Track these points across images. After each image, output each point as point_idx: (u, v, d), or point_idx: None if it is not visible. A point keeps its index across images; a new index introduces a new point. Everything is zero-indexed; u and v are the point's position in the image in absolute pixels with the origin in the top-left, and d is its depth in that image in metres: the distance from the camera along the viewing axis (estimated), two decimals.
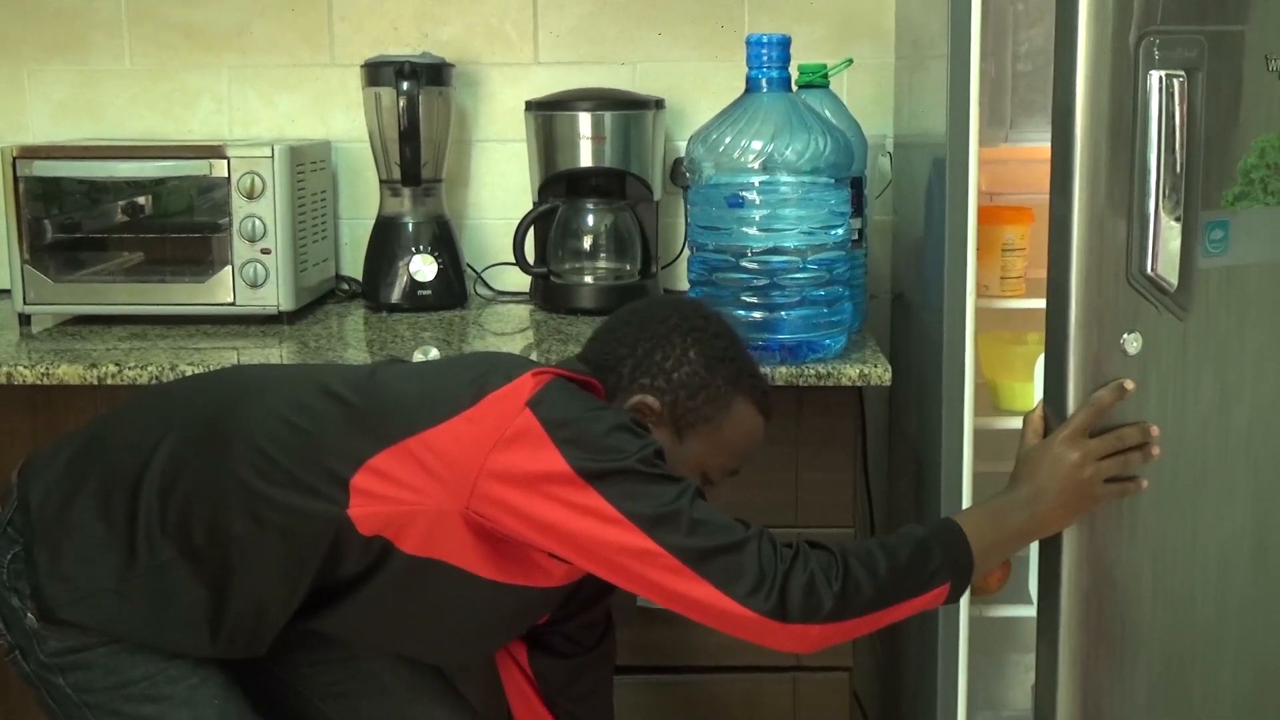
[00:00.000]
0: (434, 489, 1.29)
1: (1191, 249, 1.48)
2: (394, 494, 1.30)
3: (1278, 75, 1.52)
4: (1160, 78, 1.46)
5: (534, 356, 1.88)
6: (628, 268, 2.21)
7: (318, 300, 2.25)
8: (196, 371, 1.77)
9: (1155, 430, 1.46)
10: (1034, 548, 1.57)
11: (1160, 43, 1.47)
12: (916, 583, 1.34)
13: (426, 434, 1.30)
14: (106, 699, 1.37)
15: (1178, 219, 1.47)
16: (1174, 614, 1.56)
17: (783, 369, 1.76)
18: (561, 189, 2.21)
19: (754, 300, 1.78)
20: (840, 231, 1.83)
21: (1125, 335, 1.48)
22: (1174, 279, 1.48)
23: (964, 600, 1.68)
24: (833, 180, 1.81)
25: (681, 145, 2.32)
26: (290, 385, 1.43)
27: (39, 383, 1.78)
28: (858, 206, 1.97)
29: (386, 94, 2.18)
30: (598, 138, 2.16)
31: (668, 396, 1.43)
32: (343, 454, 1.32)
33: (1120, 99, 1.46)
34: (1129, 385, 1.44)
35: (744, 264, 1.79)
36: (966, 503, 1.78)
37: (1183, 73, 1.46)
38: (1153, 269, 1.48)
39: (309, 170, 2.16)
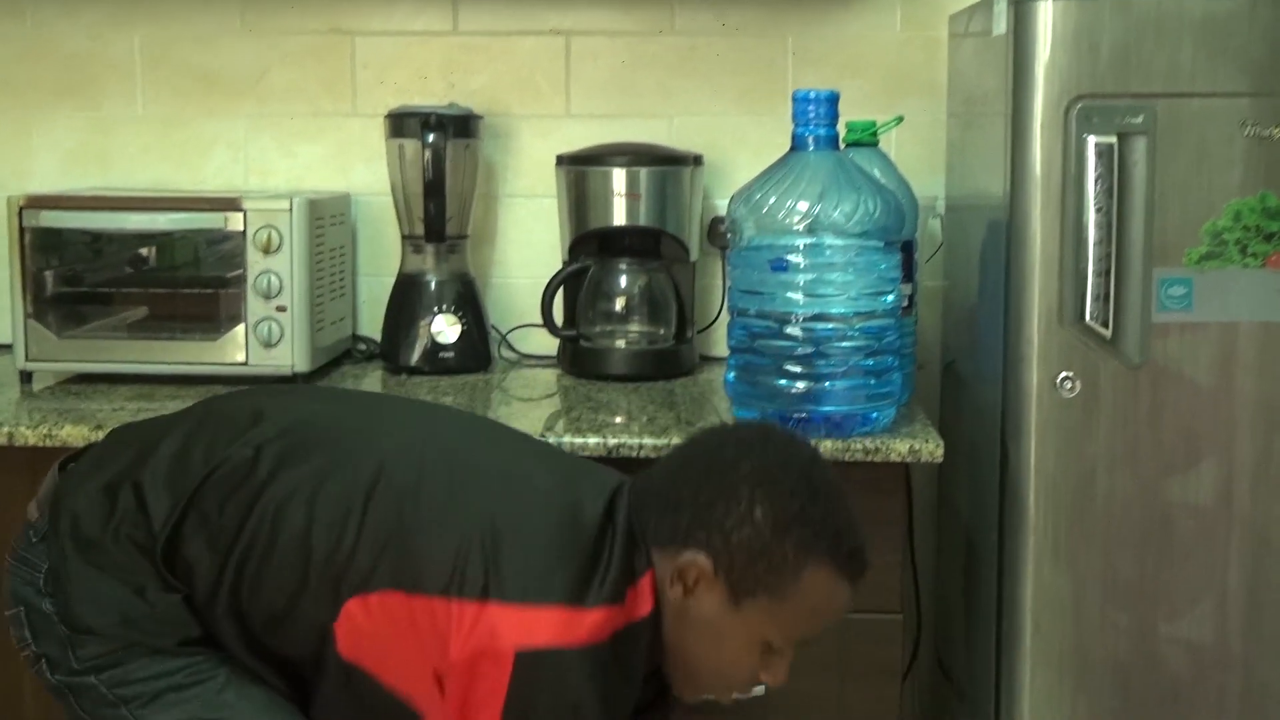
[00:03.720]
0: (410, 640, 1.34)
1: (1139, 303, 1.73)
2: (375, 629, 1.36)
3: (1256, 140, 1.71)
4: (1094, 142, 1.72)
5: (564, 433, 1.87)
6: (662, 332, 2.21)
7: (333, 361, 2.25)
8: None
9: None
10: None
11: (1094, 109, 1.72)
12: None
13: (434, 601, 1.33)
14: (146, 688, 1.43)
15: (1107, 273, 1.73)
16: (1133, 653, 1.79)
17: (827, 443, 1.75)
18: (593, 248, 2.22)
19: (797, 370, 1.78)
20: (890, 298, 1.83)
21: (1062, 374, 1.74)
22: (1108, 329, 1.73)
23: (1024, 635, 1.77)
24: (882, 243, 1.82)
25: (720, 203, 2.34)
26: (354, 466, 1.43)
27: (41, 444, 1.79)
28: (908, 271, 1.98)
29: (411, 146, 2.21)
30: (632, 194, 2.17)
31: (723, 559, 1.35)
32: (356, 575, 1.36)
33: (1058, 159, 1.74)
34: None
35: (788, 331, 1.79)
36: (1027, 590, 1.77)
37: (1115, 138, 1.71)
38: (1089, 318, 1.74)
39: (328, 224, 2.18)
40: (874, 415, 1.81)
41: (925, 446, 1.77)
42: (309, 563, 1.37)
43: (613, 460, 1.77)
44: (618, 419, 1.90)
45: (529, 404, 2.05)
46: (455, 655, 1.31)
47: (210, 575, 1.40)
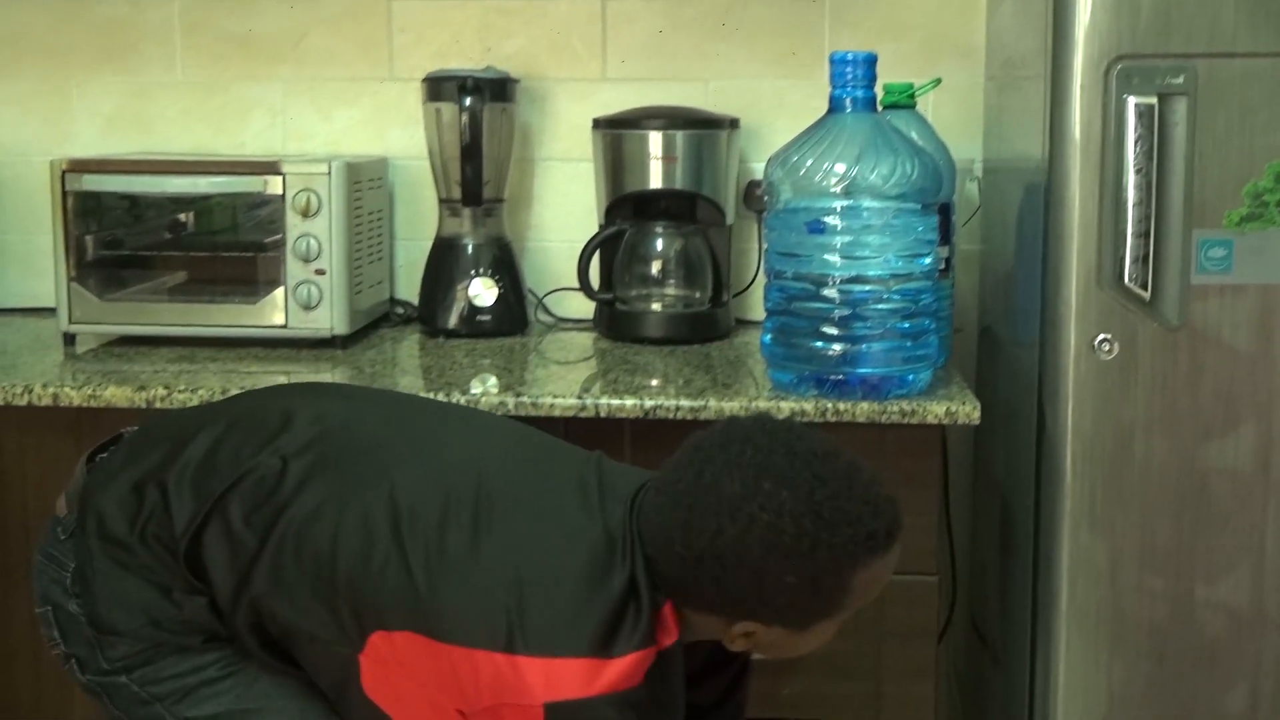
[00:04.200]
0: (435, 676, 1.32)
1: (1179, 265, 1.72)
2: (400, 660, 1.33)
3: None
4: (1134, 103, 1.71)
5: (600, 396, 1.88)
6: (698, 295, 2.22)
7: (372, 324, 2.28)
8: None
9: None
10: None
11: (1134, 70, 1.71)
12: None
13: (456, 650, 1.30)
14: (178, 685, 1.42)
15: (1146, 235, 1.72)
16: (1169, 617, 1.78)
17: (864, 405, 1.76)
18: (629, 211, 2.23)
19: (834, 332, 1.79)
20: (928, 260, 1.83)
21: (1100, 337, 1.74)
22: (1147, 291, 1.72)
23: (1059, 599, 1.78)
24: (919, 206, 1.82)
25: (756, 166, 2.34)
26: (381, 489, 1.39)
27: (86, 405, 1.82)
28: (944, 234, 1.98)
29: (448, 109, 2.22)
30: (668, 158, 2.18)
31: (773, 618, 1.33)
32: (379, 610, 1.34)
33: (1097, 121, 1.72)
34: None
35: (824, 293, 1.79)
36: (1063, 553, 1.78)
37: (1155, 98, 1.70)
38: (1127, 279, 1.73)
39: (366, 188, 2.20)
40: (910, 378, 1.81)
41: (962, 409, 1.77)
42: (334, 588, 1.34)
43: (649, 422, 1.79)
44: (654, 381, 1.92)
45: (565, 367, 2.07)
46: (482, 702, 1.28)
47: (229, 585, 1.39)
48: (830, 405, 1.77)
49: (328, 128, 2.42)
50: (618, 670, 1.28)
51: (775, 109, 2.36)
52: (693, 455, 1.34)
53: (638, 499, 1.38)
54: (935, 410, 1.77)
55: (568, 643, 1.27)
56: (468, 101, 2.16)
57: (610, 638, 1.28)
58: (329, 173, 2.06)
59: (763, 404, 1.78)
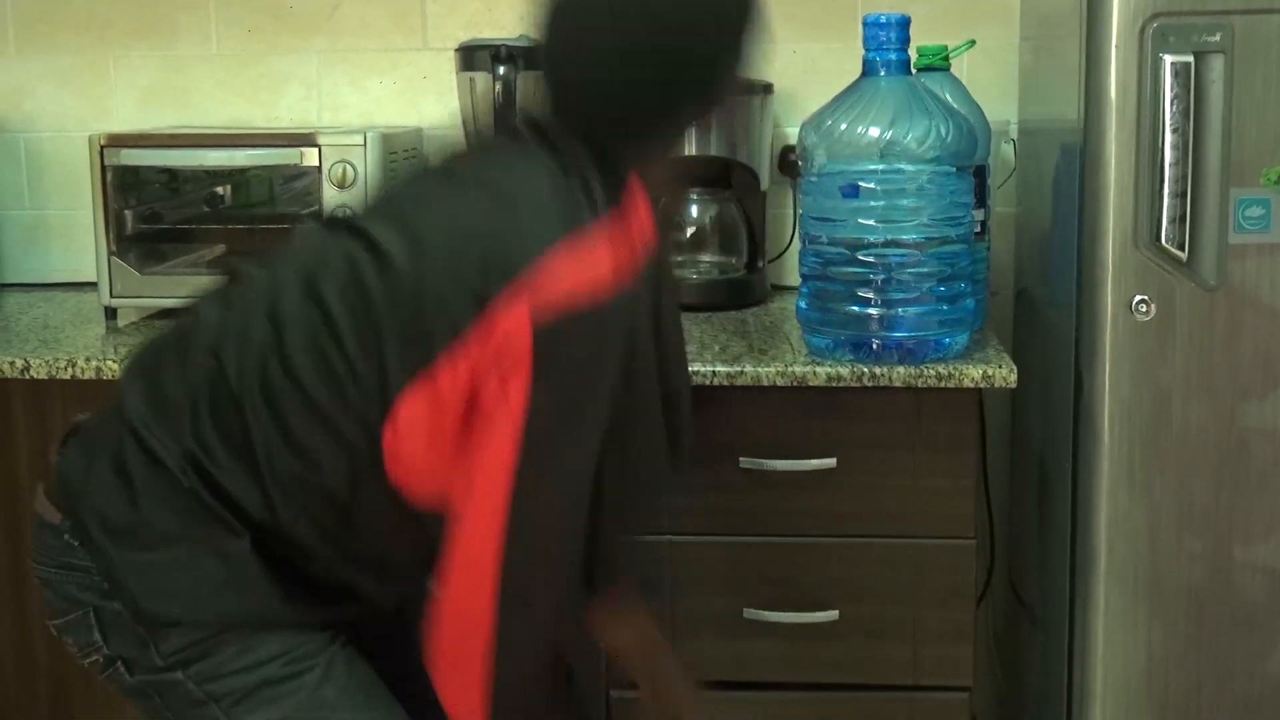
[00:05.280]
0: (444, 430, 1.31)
1: (1216, 224, 1.70)
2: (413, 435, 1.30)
3: None
4: (1170, 62, 1.69)
5: None
6: (734, 261, 2.22)
7: None
8: None
9: None
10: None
11: (1170, 28, 1.69)
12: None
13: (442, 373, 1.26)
14: (238, 683, 1.33)
15: (1183, 194, 1.70)
16: (1207, 579, 1.79)
17: (900, 369, 1.76)
18: None
19: (870, 296, 1.79)
20: (963, 224, 1.82)
21: (1137, 297, 1.73)
22: (1184, 251, 1.71)
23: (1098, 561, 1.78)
24: (955, 169, 1.81)
25: (790, 132, 2.33)
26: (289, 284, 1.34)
27: None
28: (980, 197, 1.97)
29: (481, 79, 2.21)
30: (702, 124, 2.17)
31: (699, 97, 1.37)
32: (371, 400, 1.30)
33: (1133, 80, 1.72)
34: None
35: (860, 257, 1.79)
36: (1101, 516, 1.77)
37: (1191, 57, 1.68)
38: (1164, 240, 1.71)
39: (401, 159, 2.20)
40: (947, 341, 1.81)
41: (999, 372, 1.77)
42: (327, 417, 1.28)
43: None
44: (690, 347, 1.92)
45: None
46: (490, 391, 1.24)
47: (254, 494, 1.31)
48: (866, 370, 1.76)
49: (362, 99, 2.43)
50: (599, 255, 1.25)
51: (808, 73, 2.34)
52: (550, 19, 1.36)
53: (530, 120, 1.37)
54: (972, 374, 1.76)
55: (543, 234, 1.25)
56: (501, 70, 2.16)
57: (577, 211, 1.27)
58: (364, 144, 2.06)
59: (799, 369, 1.78)
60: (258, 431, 1.30)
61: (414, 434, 1.27)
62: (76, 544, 1.35)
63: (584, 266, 1.24)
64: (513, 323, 1.22)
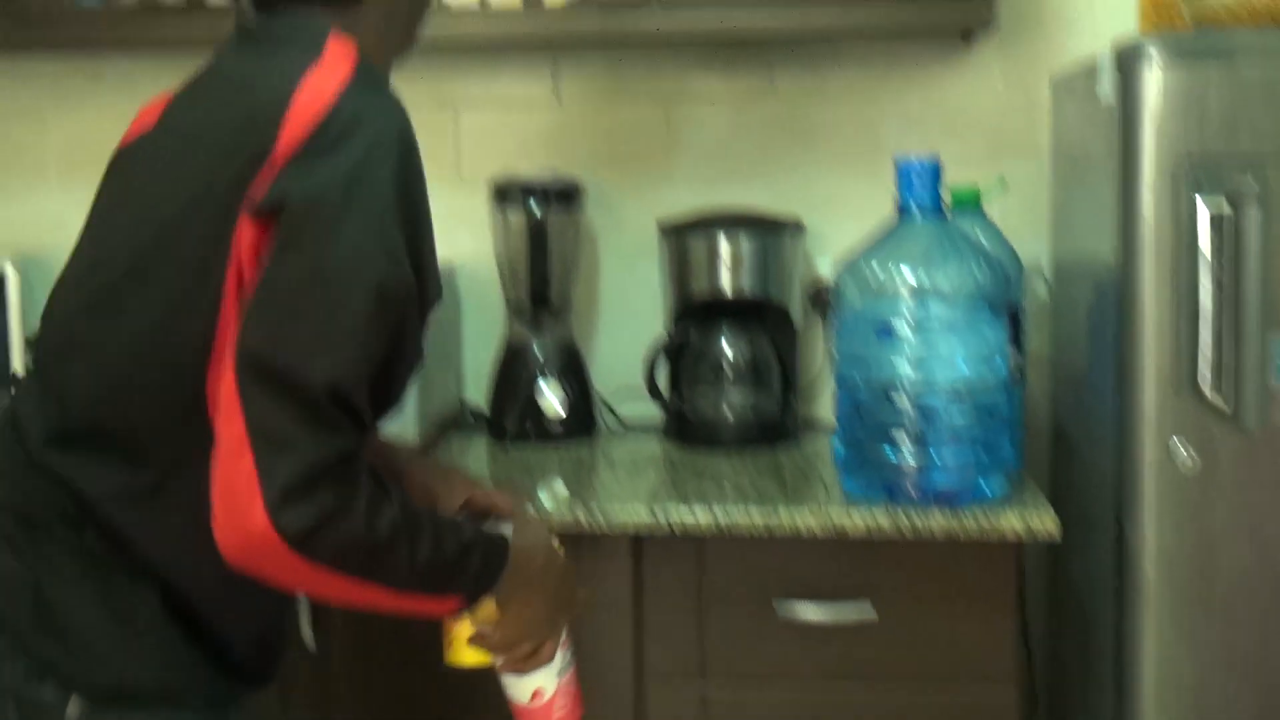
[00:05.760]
0: None
1: (1257, 369, 1.67)
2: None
3: None
4: (1206, 204, 1.69)
5: (668, 504, 1.85)
6: (766, 398, 2.18)
7: (440, 429, 2.26)
8: None
9: None
10: None
11: (1205, 172, 1.69)
12: (439, 580, 1.24)
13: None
14: None
15: (1222, 338, 1.68)
16: None
17: (940, 520, 1.71)
18: (696, 314, 2.20)
19: (905, 440, 1.75)
20: (999, 365, 1.79)
21: (1178, 443, 1.70)
22: (1225, 396, 1.68)
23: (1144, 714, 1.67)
24: (989, 310, 1.78)
25: (822, 264, 2.31)
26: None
27: None
28: (1015, 337, 1.93)
29: (515, 215, 2.21)
30: (734, 261, 2.16)
31: None
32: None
33: (1168, 220, 1.71)
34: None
35: (894, 399, 1.75)
36: (1146, 666, 1.72)
37: (1226, 200, 1.67)
38: (1204, 385, 1.69)
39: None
40: (984, 486, 1.76)
41: (1040, 524, 1.71)
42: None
43: (725, 539, 1.77)
44: (724, 488, 1.88)
45: (634, 472, 2.03)
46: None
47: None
48: (906, 521, 1.72)
49: None
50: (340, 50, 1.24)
51: (839, 208, 2.33)
52: None
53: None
54: (1011, 524, 1.71)
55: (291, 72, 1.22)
56: (534, 207, 2.16)
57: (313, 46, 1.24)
58: None
59: (835, 516, 1.74)
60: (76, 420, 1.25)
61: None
62: None
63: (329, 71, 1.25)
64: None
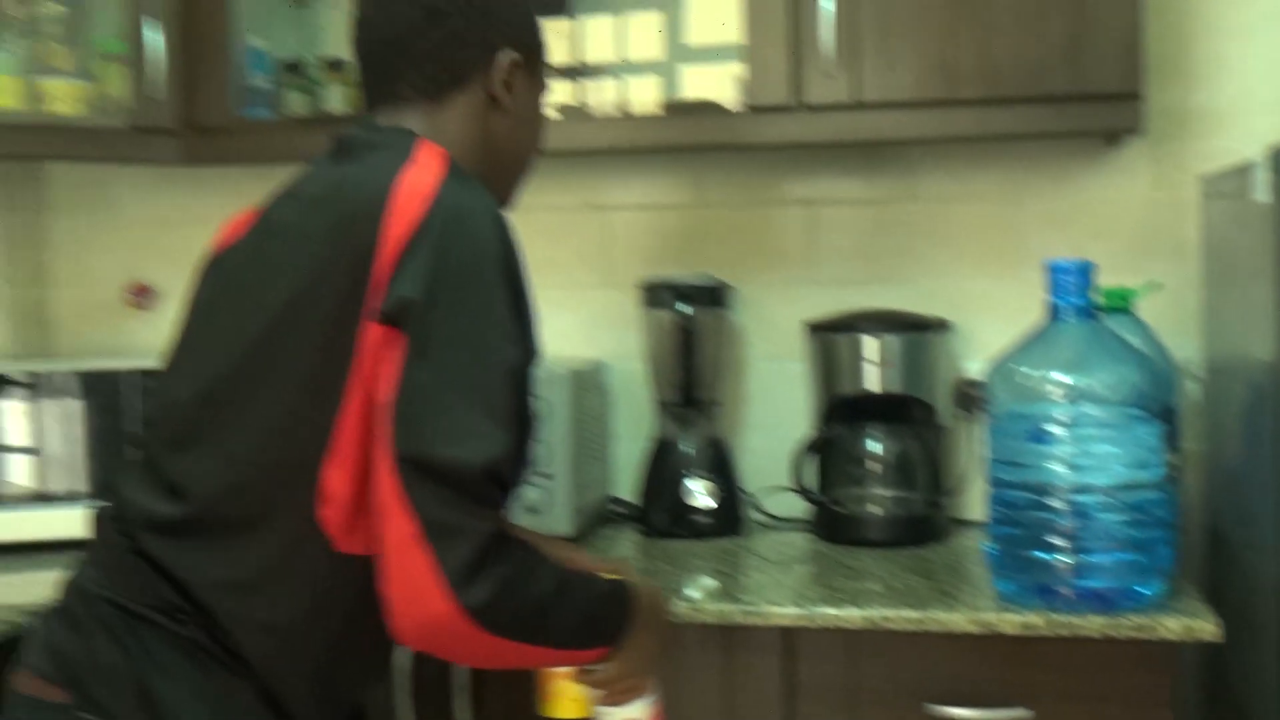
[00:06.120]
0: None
1: None
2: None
3: None
4: None
5: (819, 603, 1.85)
6: (913, 496, 2.17)
7: (590, 523, 2.29)
8: None
9: None
10: None
11: None
12: (594, 631, 1.32)
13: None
14: None
15: None
16: None
17: (1095, 619, 1.68)
18: (843, 412, 2.21)
19: (1060, 543, 1.72)
20: (1155, 467, 1.76)
21: None
22: None
23: None
24: (1144, 412, 1.76)
25: (967, 365, 2.30)
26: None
27: None
28: (1169, 437, 1.90)
29: (664, 315, 2.25)
30: (882, 361, 2.16)
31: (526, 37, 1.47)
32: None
33: None
34: None
35: (1049, 502, 1.74)
36: None
37: None
38: None
39: (588, 391, 2.23)
40: (1142, 589, 1.73)
41: (1201, 625, 1.67)
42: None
43: (876, 635, 1.75)
44: (874, 586, 1.87)
45: (782, 568, 2.03)
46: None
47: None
48: (1061, 619, 1.69)
49: (548, 333, 2.46)
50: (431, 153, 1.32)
51: (984, 308, 2.32)
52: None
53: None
54: (1171, 626, 1.68)
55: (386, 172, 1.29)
56: (683, 308, 2.20)
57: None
58: (557, 378, 2.09)
59: (988, 616, 1.72)
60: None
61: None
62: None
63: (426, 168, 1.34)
64: None
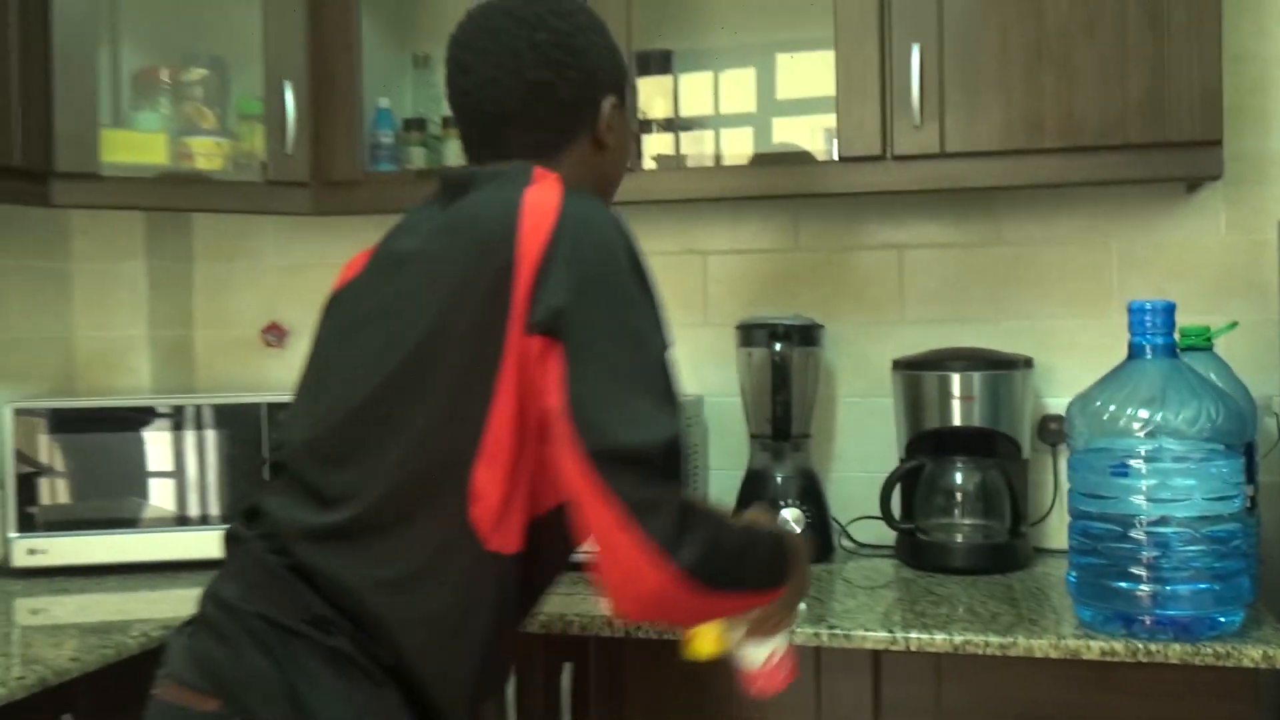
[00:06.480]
0: None
1: None
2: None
3: None
4: None
5: (907, 629, 1.92)
6: (997, 526, 2.24)
7: None
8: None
9: None
10: None
11: None
12: (777, 570, 1.43)
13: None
14: None
15: None
16: None
17: (1175, 646, 1.74)
18: (928, 445, 2.29)
19: (1142, 573, 1.78)
20: (1236, 501, 1.81)
21: None
22: None
23: None
24: (1224, 447, 1.81)
25: (1049, 402, 2.37)
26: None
27: None
28: (1249, 472, 1.95)
29: (758, 353, 2.35)
30: (967, 397, 2.24)
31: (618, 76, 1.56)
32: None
33: None
34: None
35: (1131, 534, 1.79)
36: None
37: None
38: None
39: (687, 425, 2.32)
40: (1221, 619, 1.78)
41: None
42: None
43: (961, 659, 1.82)
44: (959, 611, 1.94)
45: (871, 593, 2.11)
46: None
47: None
48: (1142, 646, 1.75)
49: None
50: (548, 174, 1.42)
51: (1066, 347, 2.39)
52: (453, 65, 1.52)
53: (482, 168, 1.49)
54: (1251, 654, 1.73)
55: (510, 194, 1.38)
56: (778, 346, 2.29)
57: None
58: None
59: (1071, 642, 1.78)
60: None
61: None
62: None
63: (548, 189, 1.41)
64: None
